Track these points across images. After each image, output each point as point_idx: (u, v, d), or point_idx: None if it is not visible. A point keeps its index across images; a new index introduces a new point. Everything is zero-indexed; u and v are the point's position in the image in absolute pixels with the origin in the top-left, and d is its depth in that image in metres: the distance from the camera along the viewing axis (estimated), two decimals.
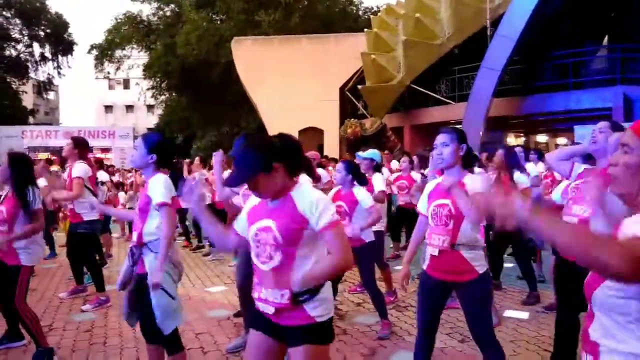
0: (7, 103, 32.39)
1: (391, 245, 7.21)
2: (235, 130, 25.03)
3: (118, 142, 23.30)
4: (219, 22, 24.32)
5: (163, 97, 29.39)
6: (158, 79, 27.14)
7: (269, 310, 1.93)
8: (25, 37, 34.28)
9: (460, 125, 12.33)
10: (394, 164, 8.56)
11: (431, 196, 2.69)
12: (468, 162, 2.67)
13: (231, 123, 26.06)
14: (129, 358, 3.71)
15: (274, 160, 1.87)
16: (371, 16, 20.32)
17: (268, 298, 1.93)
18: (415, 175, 6.96)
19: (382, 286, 4.76)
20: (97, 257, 5.45)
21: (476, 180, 2.52)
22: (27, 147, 21.52)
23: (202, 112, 25.73)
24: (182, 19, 24.31)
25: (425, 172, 6.20)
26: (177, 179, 2.76)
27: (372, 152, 5.30)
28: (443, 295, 2.74)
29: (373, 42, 16.31)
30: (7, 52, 33.27)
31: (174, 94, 28.49)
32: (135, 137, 24.86)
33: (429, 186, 2.79)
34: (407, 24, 15.03)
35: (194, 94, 25.18)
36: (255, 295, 2.00)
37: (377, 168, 5.42)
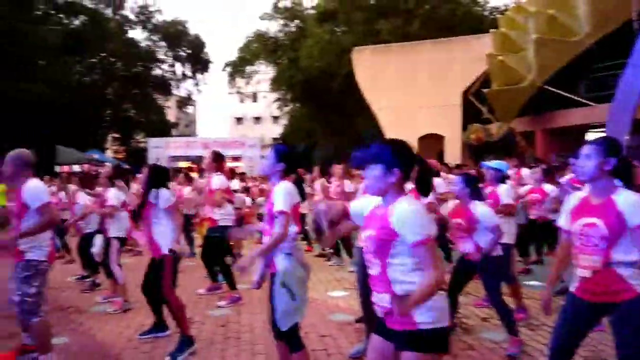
0: (155, 118, 36.63)
1: (519, 259, 6.74)
2: (354, 138, 25.41)
3: (247, 152, 24.99)
4: (340, 34, 24.96)
5: (287, 108, 30.95)
6: (283, 91, 28.67)
7: (379, 312, 2.04)
8: (169, 58, 38.48)
9: (603, 129, 11.12)
10: (525, 172, 7.97)
11: (576, 213, 2.47)
12: (623, 175, 2.40)
13: (350, 132, 26.52)
14: (259, 353, 3.93)
15: (397, 164, 1.97)
16: (498, 16, 19.30)
17: (378, 302, 2.04)
18: (548, 188, 6.41)
19: (510, 302, 4.47)
20: (230, 257, 5.89)
21: (630, 199, 2.28)
22: (170, 156, 24.07)
23: (323, 122, 26.57)
24: (305, 34, 25.39)
25: (564, 180, 5.69)
26: (300, 185, 2.93)
27: (499, 163, 5.00)
28: (593, 319, 2.51)
29: (500, 43, 15.46)
30: (154, 72, 37.63)
31: (297, 105, 29.83)
32: (263, 147, 26.51)
33: (572, 200, 2.55)
34: (539, 21, 14.01)
35: (315, 105, 26.11)
36: (372, 298, 2.10)
37: (503, 179, 5.11)
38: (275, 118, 41.77)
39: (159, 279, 3.98)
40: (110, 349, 4.10)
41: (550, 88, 14.34)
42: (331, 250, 7.99)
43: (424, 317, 1.91)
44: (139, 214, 4.10)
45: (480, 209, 3.83)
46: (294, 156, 3.00)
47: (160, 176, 4.23)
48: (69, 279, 6.77)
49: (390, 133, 17.40)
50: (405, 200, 1.96)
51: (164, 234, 4.04)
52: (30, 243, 3.38)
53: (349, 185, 7.45)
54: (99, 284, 6.27)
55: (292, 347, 2.84)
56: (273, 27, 28.41)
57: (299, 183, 2.96)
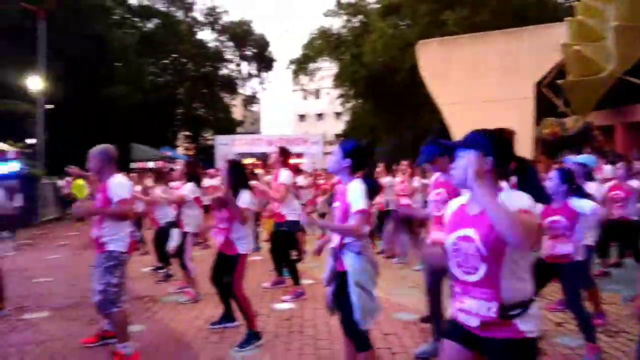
0: (222, 116, 37.91)
1: (597, 261, 6.33)
2: (418, 134, 24.96)
3: (310, 148, 25.24)
4: (404, 27, 24.56)
5: (350, 104, 30.92)
6: (346, 88, 28.67)
7: (472, 322, 1.85)
8: (236, 58, 39.61)
9: None
10: (606, 169, 7.44)
11: None
12: None
13: (414, 127, 26.07)
14: (323, 348, 3.97)
15: (492, 153, 1.84)
16: (574, 3, 18.17)
17: (472, 310, 1.85)
18: (634, 184, 5.96)
19: (588, 307, 4.21)
20: (296, 254, 5.97)
21: None
22: (236, 153, 24.82)
23: (386, 118, 26.30)
24: (369, 29, 25.21)
25: None
26: (370, 182, 2.88)
27: (585, 157, 4.67)
28: None
29: (576, 31, 14.54)
30: (221, 72, 38.90)
31: (360, 101, 29.72)
32: (325, 144, 26.66)
33: None
34: (620, 7, 13.02)
35: (378, 100, 25.89)
36: (456, 304, 1.94)
37: (589, 176, 4.79)
38: (338, 114, 41.89)
39: (231, 276, 4.10)
40: (182, 337, 4.30)
41: (631, 79, 13.31)
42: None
43: (528, 326, 1.79)
44: (221, 207, 4.12)
45: (583, 204, 3.59)
46: (361, 152, 2.93)
47: (240, 173, 4.24)
48: (145, 270, 7.16)
49: (456, 128, 16.87)
50: (518, 195, 1.80)
51: (241, 233, 4.12)
52: (112, 235, 3.60)
53: (415, 182, 7.33)
54: (172, 275, 6.60)
55: (360, 347, 2.82)
56: (336, 24, 28.46)
57: (368, 179, 2.91)
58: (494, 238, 1.75)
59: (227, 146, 25.41)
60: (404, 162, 7.61)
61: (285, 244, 5.75)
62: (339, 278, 2.85)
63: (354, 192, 2.78)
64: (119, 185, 3.61)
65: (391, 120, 25.89)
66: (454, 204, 2.04)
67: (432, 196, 3.57)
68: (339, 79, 28.09)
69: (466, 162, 1.83)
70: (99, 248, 3.63)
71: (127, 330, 3.71)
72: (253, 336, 4.03)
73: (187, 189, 5.64)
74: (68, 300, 5.55)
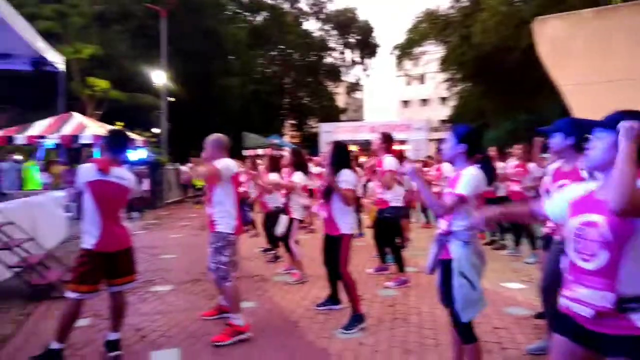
0: (326, 104, 38.57)
1: None
2: (532, 117, 23.25)
3: (413, 135, 24.72)
4: (519, 4, 22.91)
5: (457, 88, 29.69)
6: (453, 71, 27.55)
7: (585, 312, 1.74)
8: (340, 46, 39.93)
9: None
10: None
11: None
12: None
13: (528, 110, 24.33)
14: (428, 337, 3.91)
15: None
16: None
17: (585, 299, 1.75)
18: None
19: None
20: (399, 241, 5.92)
21: None
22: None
23: (497, 101, 24.86)
24: (479, 8, 23.91)
25: None
26: (488, 169, 2.75)
27: None
28: None
29: None
30: (325, 60, 39.47)
31: (468, 85, 28.42)
32: (430, 130, 25.92)
33: None
34: None
35: (488, 83, 24.53)
36: (567, 293, 1.83)
37: None
38: (444, 99, 40.47)
39: (337, 256, 4.19)
40: (289, 315, 4.50)
41: None
42: (507, 240, 7.50)
43: None
44: (328, 192, 4.21)
45: None
46: (475, 136, 2.81)
47: (343, 155, 4.31)
48: (255, 251, 7.59)
49: (579, 112, 15.45)
50: None
51: (344, 213, 4.19)
52: (221, 216, 3.86)
53: (532, 168, 6.86)
54: (279, 256, 6.91)
55: (465, 339, 2.75)
56: (443, 5, 27.38)
57: (486, 165, 2.78)
58: (621, 224, 1.65)
59: (331, 133, 25.78)
60: (518, 147, 7.15)
61: (389, 230, 5.72)
62: (443, 266, 2.78)
63: (465, 177, 2.69)
64: (225, 164, 3.83)
65: (502, 104, 24.41)
66: (579, 188, 1.92)
67: (553, 188, 3.25)
68: (446, 62, 27.05)
69: (605, 143, 1.74)
70: (211, 227, 3.91)
71: (239, 303, 3.97)
72: (357, 319, 4.10)
73: (295, 177, 5.85)
74: (189, 276, 6.07)
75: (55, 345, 3.32)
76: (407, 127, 25.63)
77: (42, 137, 10.32)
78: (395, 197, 5.55)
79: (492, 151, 7.94)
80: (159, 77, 20.20)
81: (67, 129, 10.42)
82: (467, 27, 23.98)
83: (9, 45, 6.98)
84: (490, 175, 2.78)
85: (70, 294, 3.37)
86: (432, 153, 16.08)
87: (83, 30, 20.40)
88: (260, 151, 18.86)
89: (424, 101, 51.51)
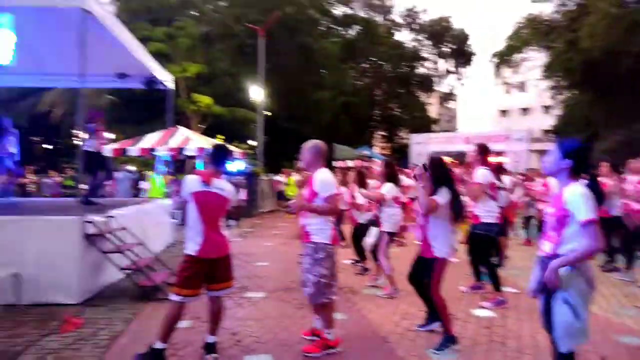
0: (418, 114, 37.92)
1: None
2: None
3: (513, 146, 23.41)
4: (633, 5, 20.99)
5: (562, 96, 27.74)
6: (558, 78, 25.83)
7: None
8: (433, 55, 39.16)
9: None
10: None
11: None
12: None
13: None
14: None
15: None
16: None
17: None
18: None
19: None
20: (496, 258, 5.63)
21: None
22: (432, 152, 24.50)
23: (607, 109, 22.85)
24: (586, 11, 22.26)
25: None
26: (595, 188, 2.52)
27: None
28: None
29: None
30: (417, 71, 38.88)
31: (574, 92, 26.46)
32: (532, 140, 24.43)
33: None
34: None
35: (597, 90, 22.67)
36: None
37: None
38: (547, 108, 37.96)
39: (428, 278, 4.05)
40: (379, 330, 4.45)
41: None
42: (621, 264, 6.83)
43: None
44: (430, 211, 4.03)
45: None
46: (583, 153, 2.60)
47: (441, 170, 4.15)
48: (345, 262, 7.59)
49: None
50: None
51: (439, 234, 4.03)
52: (317, 226, 3.83)
53: None
54: (368, 269, 6.87)
55: None
56: (547, 9, 25.85)
57: (592, 183, 2.56)
58: None
59: (422, 145, 25.25)
60: (636, 161, 6.48)
61: (483, 247, 5.45)
62: (546, 291, 2.57)
63: (577, 197, 2.47)
64: (326, 181, 3.80)
65: (614, 112, 22.37)
66: None
67: None
68: (550, 69, 25.47)
69: None
70: (306, 237, 3.89)
71: (333, 318, 3.98)
72: (450, 340, 3.94)
73: (386, 189, 5.79)
74: (280, 284, 6.25)
75: (158, 344, 3.56)
76: (506, 138, 24.32)
77: (152, 149, 11.27)
78: (487, 213, 5.27)
79: (604, 166, 7.27)
80: (256, 93, 21.20)
81: (174, 142, 11.29)
82: (574, 32, 22.44)
83: (125, 66, 7.77)
84: (599, 195, 2.55)
85: (174, 297, 3.62)
86: (534, 165, 15.14)
87: (189, 50, 22.04)
88: (350, 162, 18.98)
89: (525, 110, 48.70)
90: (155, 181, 12.72)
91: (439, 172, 4.08)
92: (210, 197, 3.68)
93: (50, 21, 6.16)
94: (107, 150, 11.39)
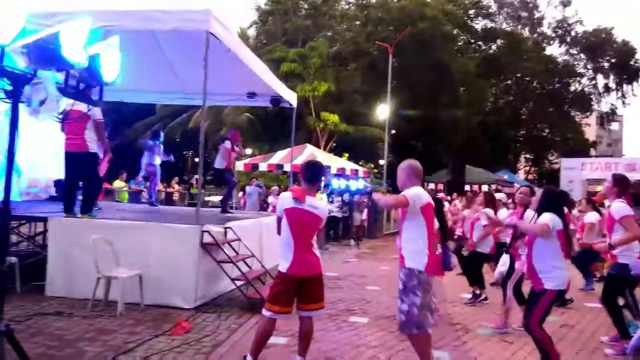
0: (571, 136, 34.28)
1: None
2: None
3: None
4: None
5: None
6: None
7: None
8: (589, 70, 35.26)
9: None
10: None
11: None
12: None
13: None
14: None
15: None
16: None
17: None
18: None
19: None
20: (623, 302, 4.76)
21: None
22: (585, 179, 21.82)
23: None
24: None
25: None
26: None
27: None
28: None
29: None
30: (572, 87, 35.28)
31: None
32: None
33: None
34: None
35: None
36: None
37: None
38: None
39: (530, 309, 3.74)
40: None
41: None
42: None
43: None
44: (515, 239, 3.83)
45: None
46: None
47: (553, 201, 3.81)
48: (463, 295, 6.93)
49: None
50: None
51: (548, 265, 3.66)
52: (410, 250, 3.48)
53: None
54: (486, 298, 6.32)
55: None
56: None
57: None
58: None
59: (574, 170, 22.75)
60: None
61: (617, 290, 4.67)
62: None
63: None
64: (416, 192, 3.50)
65: None
66: None
67: None
68: None
69: None
70: (402, 262, 3.57)
71: (428, 354, 3.57)
72: None
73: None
74: (387, 311, 5.89)
75: (249, 358, 3.57)
76: None
77: (279, 165, 11.80)
78: (624, 252, 4.46)
79: None
80: (383, 111, 21.08)
81: (300, 159, 11.67)
82: None
83: (254, 86, 8.31)
84: None
85: (265, 312, 3.62)
86: None
87: (321, 69, 22.77)
88: (485, 187, 17.78)
89: None
90: None
91: (549, 203, 3.82)
92: (301, 214, 3.62)
93: (188, 43, 6.79)
94: (239, 164, 12.21)
